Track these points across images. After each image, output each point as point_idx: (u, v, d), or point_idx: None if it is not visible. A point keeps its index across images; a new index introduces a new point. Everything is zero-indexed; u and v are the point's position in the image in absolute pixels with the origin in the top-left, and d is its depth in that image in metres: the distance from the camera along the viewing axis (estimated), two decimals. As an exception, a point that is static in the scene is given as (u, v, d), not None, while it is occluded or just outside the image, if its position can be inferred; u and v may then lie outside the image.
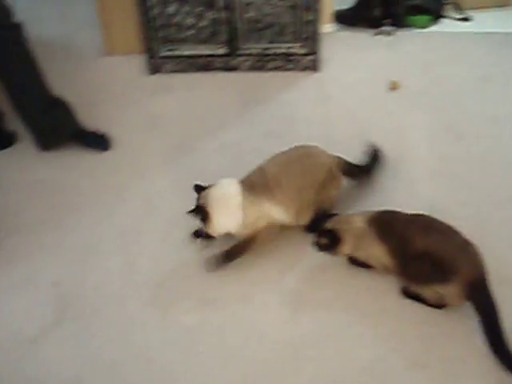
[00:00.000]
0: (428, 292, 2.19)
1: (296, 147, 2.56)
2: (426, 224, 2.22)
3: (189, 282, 2.38)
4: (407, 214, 2.29)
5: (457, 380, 2.02)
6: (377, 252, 2.26)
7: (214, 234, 2.42)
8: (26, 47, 2.81)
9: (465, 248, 2.14)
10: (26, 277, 2.43)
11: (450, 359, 2.08)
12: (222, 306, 2.28)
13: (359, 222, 2.28)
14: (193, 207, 2.39)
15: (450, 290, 2.11)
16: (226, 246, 2.43)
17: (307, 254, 2.46)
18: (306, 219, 2.48)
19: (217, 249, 2.44)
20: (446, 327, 2.16)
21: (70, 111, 3.06)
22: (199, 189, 2.44)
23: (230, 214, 2.37)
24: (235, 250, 2.42)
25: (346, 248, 2.30)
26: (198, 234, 2.51)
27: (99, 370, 2.10)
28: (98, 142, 3.09)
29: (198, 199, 2.41)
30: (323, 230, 2.32)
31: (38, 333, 2.21)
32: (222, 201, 2.37)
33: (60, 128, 3.05)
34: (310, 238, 2.39)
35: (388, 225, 2.25)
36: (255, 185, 2.41)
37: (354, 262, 2.41)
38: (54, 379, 2.07)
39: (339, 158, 2.60)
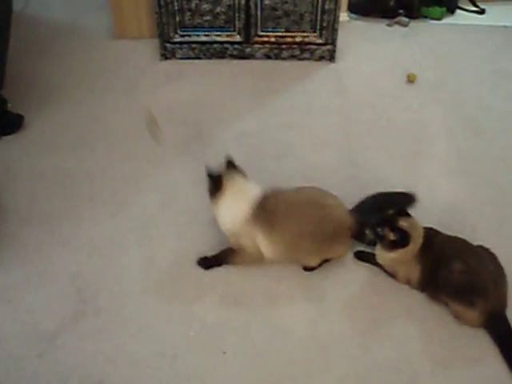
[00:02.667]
0: (450, 306, 2.18)
1: (315, 191, 2.36)
2: (464, 245, 2.21)
3: (210, 278, 2.33)
4: (447, 235, 2.26)
5: (481, 382, 2.01)
6: (411, 269, 2.23)
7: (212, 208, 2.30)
8: None
9: (497, 277, 2.14)
10: (43, 270, 2.37)
11: (475, 360, 2.07)
12: (246, 302, 2.24)
13: (421, 239, 2.21)
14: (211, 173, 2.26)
15: (470, 313, 2.12)
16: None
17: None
18: (309, 263, 2.35)
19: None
20: (471, 328, 2.14)
21: None
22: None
23: (232, 209, 2.24)
24: (220, 257, 2.37)
25: (395, 254, 2.22)
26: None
27: (121, 366, 2.05)
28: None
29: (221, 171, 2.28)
30: (397, 227, 2.18)
31: (58, 328, 2.15)
32: (238, 193, 2.26)
33: None
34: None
35: (429, 245, 2.21)
36: (263, 212, 2.22)
37: (361, 257, 2.39)
38: (75, 375, 2.02)
39: (355, 218, 2.34)
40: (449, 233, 2.28)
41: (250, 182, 2.30)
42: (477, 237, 2.35)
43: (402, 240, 2.18)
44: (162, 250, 2.45)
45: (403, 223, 2.20)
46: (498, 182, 2.78)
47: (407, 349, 2.10)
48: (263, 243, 2.24)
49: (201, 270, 2.35)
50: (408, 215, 2.24)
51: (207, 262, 2.37)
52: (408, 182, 2.75)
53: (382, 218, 2.24)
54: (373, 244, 2.36)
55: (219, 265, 2.37)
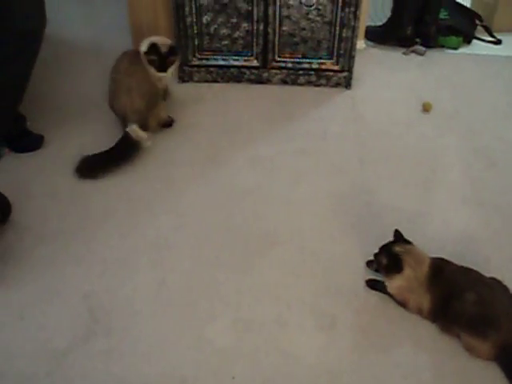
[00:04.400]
0: (462, 337, 2.16)
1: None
2: (477, 277, 2.21)
3: (222, 302, 2.33)
4: (459, 266, 2.26)
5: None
6: (421, 298, 2.22)
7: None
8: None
9: (510, 309, 2.13)
10: (55, 288, 2.38)
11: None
12: (256, 328, 2.24)
13: (425, 265, 2.23)
14: None
15: (482, 346, 2.10)
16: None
17: (344, 280, 2.43)
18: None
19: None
20: (482, 361, 2.12)
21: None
22: None
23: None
24: None
25: (400, 281, 2.24)
26: None
27: (130, 387, 2.05)
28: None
29: None
30: (389, 251, 2.25)
31: (69, 346, 2.16)
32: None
33: None
34: (348, 263, 2.37)
35: (440, 274, 2.21)
36: None
37: (373, 286, 2.38)
38: (84, 395, 2.03)
39: None
40: (462, 263, 2.27)
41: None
42: (490, 268, 2.34)
43: (395, 264, 2.21)
44: (174, 273, 2.45)
45: (397, 248, 2.23)
46: (508, 212, 2.77)
47: (417, 379, 2.08)
48: None
49: (212, 294, 2.36)
50: (407, 242, 2.28)
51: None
52: (421, 210, 2.76)
53: (381, 246, 2.29)
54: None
55: None
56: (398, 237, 2.32)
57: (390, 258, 2.24)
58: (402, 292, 2.26)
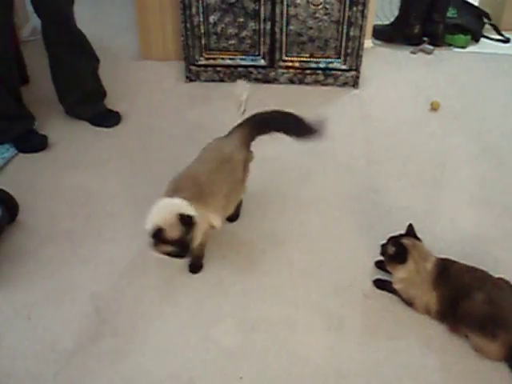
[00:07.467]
0: (471, 338, 2.15)
1: (211, 149, 2.54)
2: (484, 276, 2.19)
3: (229, 302, 2.33)
4: (466, 265, 2.25)
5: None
6: (427, 296, 2.22)
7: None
8: None
9: None
10: (62, 289, 2.38)
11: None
12: (263, 328, 2.23)
13: (430, 262, 2.22)
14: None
15: (491, 346, 2.08)
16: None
17: (352, 280, 2.42)
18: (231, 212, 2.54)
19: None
20: (492, 362, 2.10)
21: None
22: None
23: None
24: (197, 261, 2.46)
25: (402, 273, 2.23)
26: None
27: (137, 388, 2.04)
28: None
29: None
30: (397, 241, 2.26)
31: (76, 347, 2.16)
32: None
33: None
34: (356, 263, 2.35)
35: (446, 273, 2.20)
36: (195, 196, 2.27)
37: (380, 285, 2.38)
38: (90, 396, 2.02)
39: (246, 148, 2.58)
40: (470, 263, 2.26)
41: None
42: (498, 268, 2.33)
43: (400, 255, 2.22)
44: (182, 274, 2.45)
45: (405, 240, 2.24)
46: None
47: (426, 381, 2.07)
48: (211, 216, 2.34)
49: (219, 295, 2.35)
50: (416, 238, 2.28)
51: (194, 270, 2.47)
52: (429, 210, 2.74)
53: (390, 237, 2.30)
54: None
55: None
56: (410, 231, 2.31)
57: (396, 248, 2.24)
58: (405, 286, 2.26)
